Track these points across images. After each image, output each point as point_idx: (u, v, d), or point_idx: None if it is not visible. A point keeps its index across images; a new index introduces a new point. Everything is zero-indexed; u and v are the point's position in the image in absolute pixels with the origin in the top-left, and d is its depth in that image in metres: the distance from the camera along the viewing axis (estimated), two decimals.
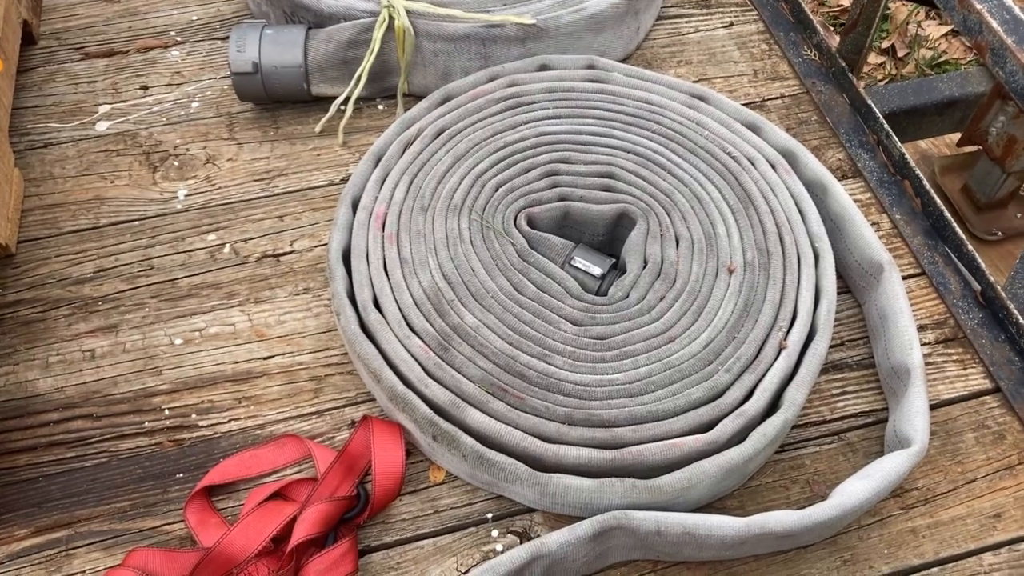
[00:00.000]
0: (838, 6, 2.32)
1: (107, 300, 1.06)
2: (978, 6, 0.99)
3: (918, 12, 2.26)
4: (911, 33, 2.24)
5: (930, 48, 2.23)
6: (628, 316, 0.95)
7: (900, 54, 2.22)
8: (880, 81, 2.17)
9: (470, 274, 0.97)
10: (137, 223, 1.13)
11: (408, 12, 1.17)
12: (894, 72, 2.19)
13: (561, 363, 0.91)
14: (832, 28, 2.31)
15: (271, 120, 1.24)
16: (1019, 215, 1.56)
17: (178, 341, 1.03)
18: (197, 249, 1.11)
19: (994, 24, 0.97)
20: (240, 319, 1.05)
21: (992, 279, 1.06)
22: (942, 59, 2.21)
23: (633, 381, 0.90)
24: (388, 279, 0.97)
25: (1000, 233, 1.55)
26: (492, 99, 1.13)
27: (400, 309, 0.95)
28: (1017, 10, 0.98)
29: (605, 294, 0.99)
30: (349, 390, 0.99)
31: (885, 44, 2.23)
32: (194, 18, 1.37)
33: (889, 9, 2.26)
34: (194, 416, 0.97)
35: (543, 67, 1.19)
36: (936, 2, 1.06)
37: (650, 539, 0.83)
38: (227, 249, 1.11)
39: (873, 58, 2.21)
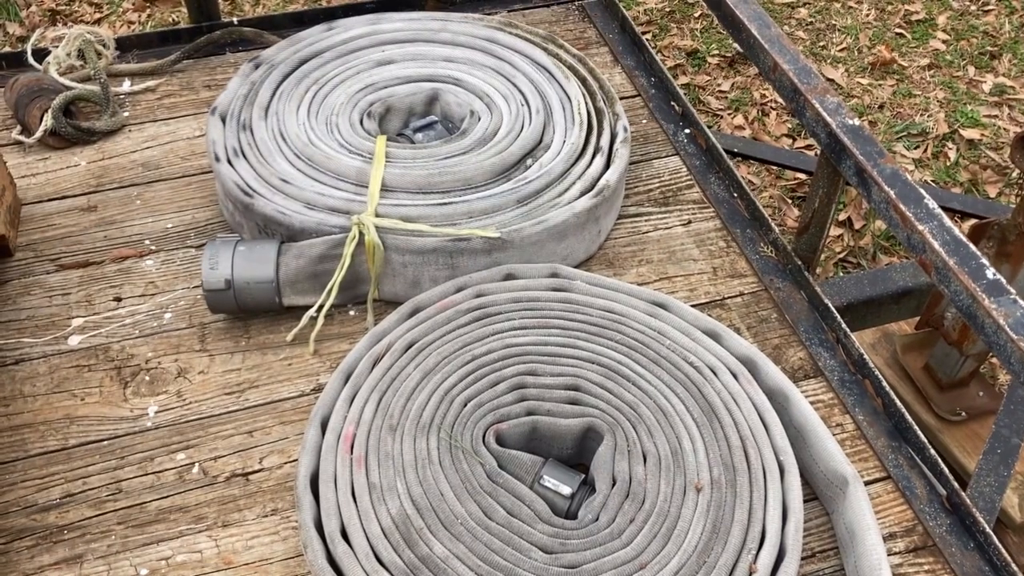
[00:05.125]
0: (795, 179, 2.42)
1: (73, 528, 1.04)
2: (920, 227, 1.04)
3: None
4: (866, 206, 2.33)
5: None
6: (599, 541, 0.95)
7: (857, 226, 2.31)
8: (839, 253, 2.24)
9: (439, 499, 0.97)
10: (106, 443, 1.13)
11: (377, 228, 1.21)
12: (852, 243, 2.27)
13: None
14: (790, 201, 2.40)
15: (243, 329, 1.26)
16: (981, 394, 1.59)
17: (144, 572, 1.01)
18: (166, 470, 1.10)
19: (936, 245, 1.02)
20: (207, 545, 1.03)
21: (956, 485, 1.07)
22: None
23: None
24: (356, 506, 0.97)
25: (964, 413, 1.57)
26: (460, 310, 1.16)
27: (368, 540, 0.94)
28: (956, 231, 1.03)
29: (575, 515, 0.99)
30: None
31: (842, 216, 2.33)
32: (169, 226, 1.41)
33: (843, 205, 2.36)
34: None
35: (509, 276, 1.22)
36: (882, 219, 1.11)
37: None
38: (196, 469, 1.10)
39: (833, 230, 2.30)
